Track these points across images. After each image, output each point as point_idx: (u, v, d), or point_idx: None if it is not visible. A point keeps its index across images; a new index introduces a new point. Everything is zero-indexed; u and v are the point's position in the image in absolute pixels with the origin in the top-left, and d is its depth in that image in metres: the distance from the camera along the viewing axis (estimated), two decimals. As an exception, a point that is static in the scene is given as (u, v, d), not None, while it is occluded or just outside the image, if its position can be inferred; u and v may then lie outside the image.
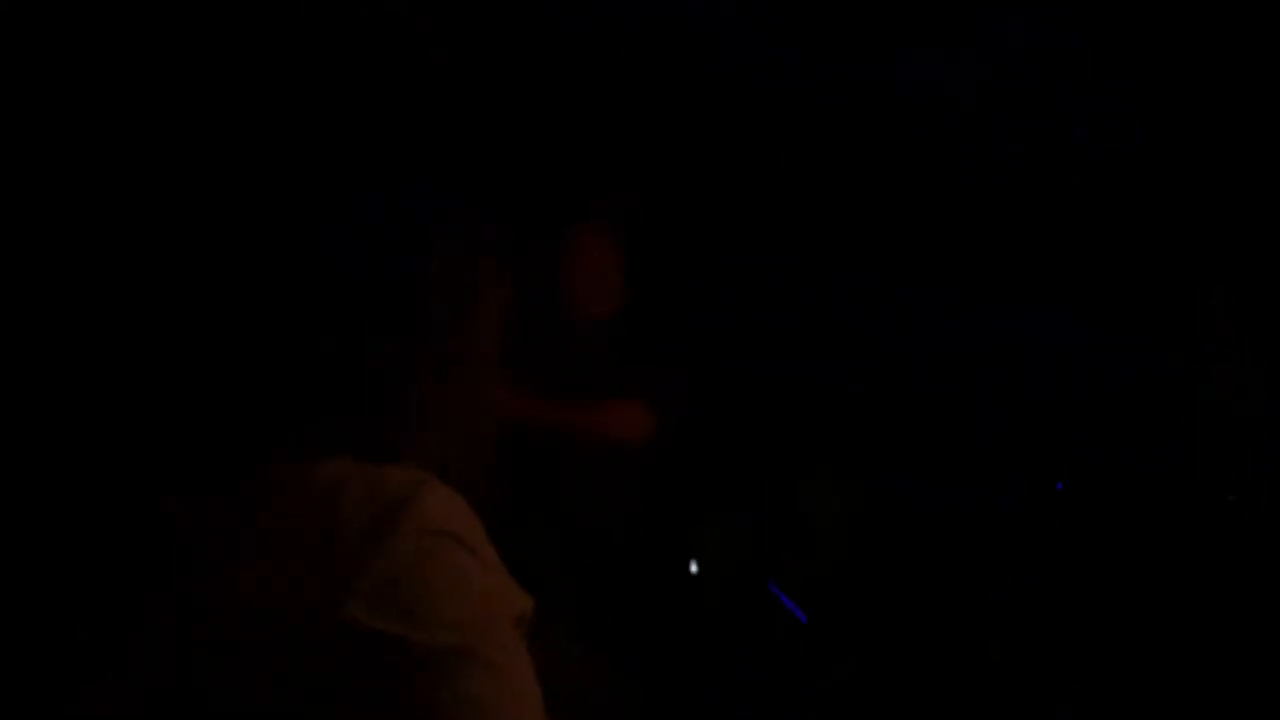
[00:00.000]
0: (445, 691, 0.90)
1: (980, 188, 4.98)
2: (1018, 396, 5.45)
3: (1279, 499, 4.46)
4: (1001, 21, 4.24)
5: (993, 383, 5.52)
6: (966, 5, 4.20)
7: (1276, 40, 4.11)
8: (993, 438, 5.48)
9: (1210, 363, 4.76)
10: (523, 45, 3.97)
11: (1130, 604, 4.67)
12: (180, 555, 1.00)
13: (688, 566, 3.57)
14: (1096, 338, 5.12)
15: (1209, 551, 4.53)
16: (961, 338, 5.49)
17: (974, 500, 5.49)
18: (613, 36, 4.28)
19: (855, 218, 5.08)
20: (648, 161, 4.69)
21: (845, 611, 5.07)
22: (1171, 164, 4.66)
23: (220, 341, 1.05)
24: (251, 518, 0.97)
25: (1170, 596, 4.53)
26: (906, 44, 4.33)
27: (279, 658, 0.91)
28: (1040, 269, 5.10)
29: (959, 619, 5.12)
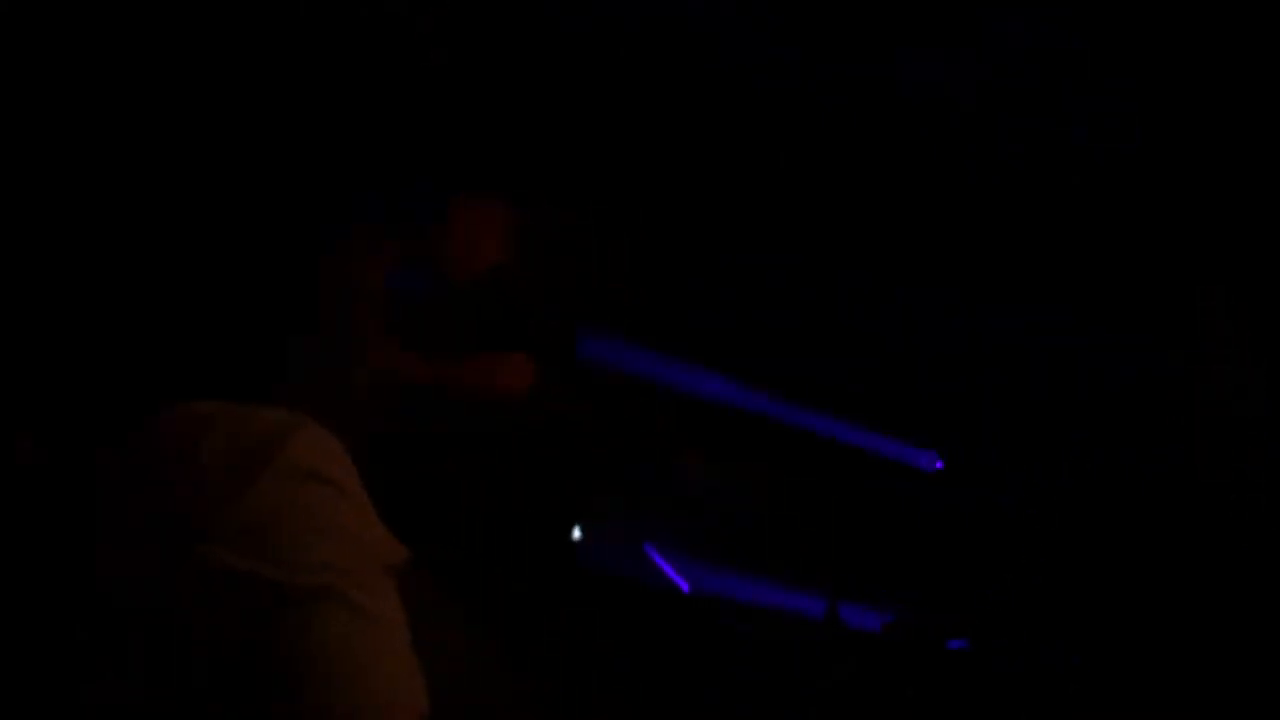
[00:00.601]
0: (309, 633, 0.87)
1: (980, 188, 4.98)
2: (1018, 396, 5.45)
3: (1279, 499, 4.46)
4: (1001, 21, 4.23)
5: (993, 383, 5.51)
6: (966, 5, 4.20)
7: (1277, 40, 4.11)
8: (993, 438, 5.48)
9: (1210, 363, 4.76)
10: (523, 45, 3.97)
11: (1130, 604, 4.67)
12: (60, 509, 0.98)
13: (570, 533, 3.56)
14: (1096, 338, 5.12)
15: (1209, 551, 4.53)
16: (961, 338, 5.49)
17: (974, 500, 5.49)
18: (613, 36, 4.28)
19: (855, 218, 5.08)
20: (648, 161, 4.69)
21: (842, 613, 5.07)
22: (1171, 164, 4.66)
23: (97, 298, 1.03)
24: (125, 465, 0.95)
25: (1170, 596, 4.53)
26: (906, 44, 4.33)
27: (149, 600, 0.89)
28: (1040, 269, 5.10)
29: (961, 618, 5.12)
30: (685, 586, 4.94)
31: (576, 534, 3.86)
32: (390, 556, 0.93)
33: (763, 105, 4.63)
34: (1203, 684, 4.11)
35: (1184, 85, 4.35)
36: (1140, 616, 4.59)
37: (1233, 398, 4.69)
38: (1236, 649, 4.21)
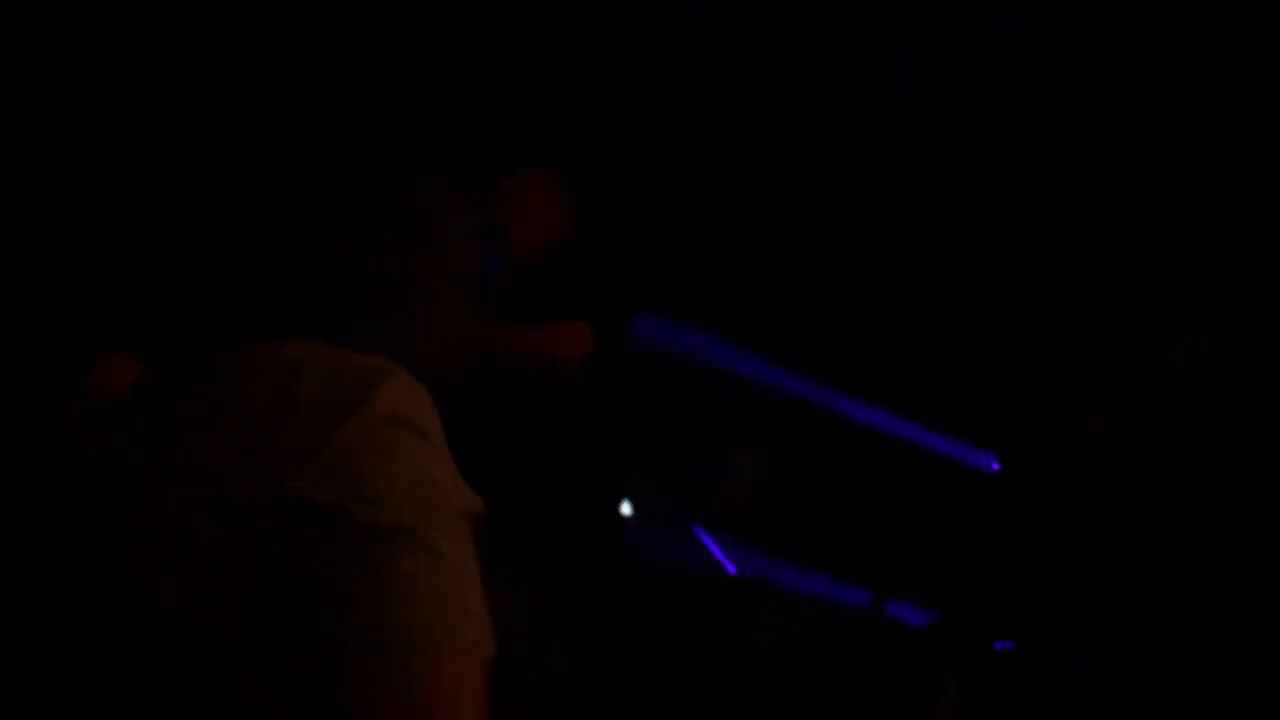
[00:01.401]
0: (384, 569, 0.91)
1: (980, 188, 4.98)
2: (1018, 396, 5.46)
3: (1279, 499, 4.46)
4: (1001, 21, 4.24)
5: (993, 383, 5.52)
6: (966, 5, 4.20)
7: (1277, 40, 4.11)
8: (993, 438, 5.49)
9: (1210, 363, 4.76)
10: (523, 45, 3.97)
11: (1130, 604, 4.67)
12: (129, 427, 1.00)
13: (619, 507, 3.58)
14: (1096, 338, 5.12)
15: (1209, 551, 4.53)
16: (961, 338, 5.49)
17: (974, 500, 5.49)
18: (613, 36, 4.28)
19: (855, 218, 5.09)
20: (648, 161, 4.69)
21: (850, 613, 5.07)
22: (1171, 164, 4.66)
23: (192, 238, 1.05)
24: (210, 391, 0.98)
25: (1170, 596, 4.53)
26: (906, 44, 4.33)
27: (222, 526, 0.92)
28: (1040, 269, 5.11)
29: (961, 618, 5.12)
30: (732, 569, 4.97)
31: (626, 509, 3.87)
32: (470, 503, 0.97)
33: (763, 105, 4.63)
34: (1203, 684, 4.11)
35: (1184, 85, 4.36)
36: (1140, 616, 4.59)
37: (1233, 398, 4.69)
38: (1236, 649, 4.21)
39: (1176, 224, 4.77)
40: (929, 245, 5.14)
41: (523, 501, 2.98)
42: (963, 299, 5.35)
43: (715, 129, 4.70)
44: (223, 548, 0.92)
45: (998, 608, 5.04)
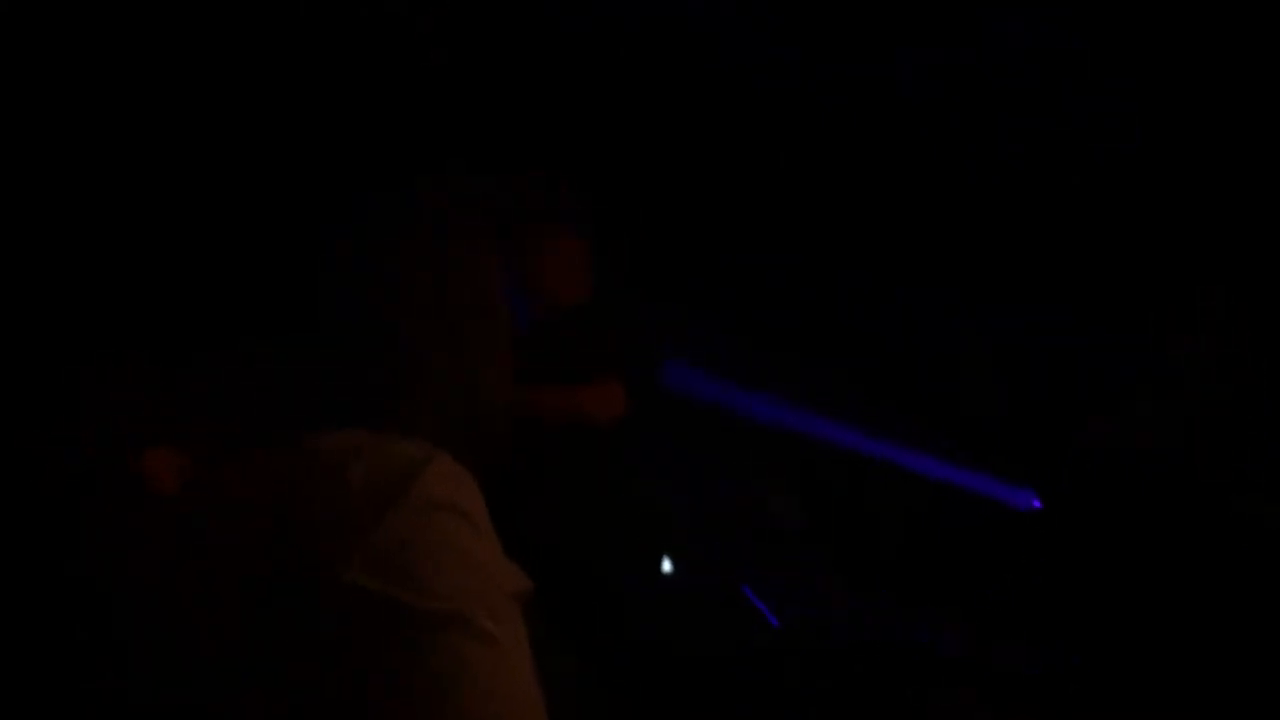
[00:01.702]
0: (437, 654, 0.91)
1: (980, 188, 4.98)
2: (1018, 396, 5.46)
3: (1279, 499, 4.46)
4: (1001, 21, 4.23)
5: (993, 383, 5.52)
6: (966, 5, 4.20)
7: (1277, 40, 4.11)
8: (993, 438, 5.48)
9: (1210, 363, 4.76)
10: (523, 45, 3.97)
11: (1130, 604, 4.67)
12: (182, 515, 1.01)
13: (660, 564, 3.58)
14: (1096, 338, 5.12)
15: (1209, 551, 4.53)
16: (961, 338, 5.50)
17: (974, 500, 5.49)
18: (613, 36, 4.28)
19: (855, 218, 5.08)
20: (648, 161, 4.69)
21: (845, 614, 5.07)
22: (1171, 164, 4.66)
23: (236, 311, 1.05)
24: (264, 483, 0.98)
25: (1170, 596, 4.53)
26: (906, 44, 4.33)
27: (280, 615, 0.92)
28: (1040, 269, 5.10)
29: (962, 618, 5.12)
30: (775, 622, 4.96)
31: (666, 566, 3.86)
32: (517, 584, 0.97)
33: (763, 105, 4.63)
34: (1203, 684, 4.11)
35: (1184, 85, 4.36)
36: (1140, 616, 4.59)
37: (1233, 397, 4.69)
38: (1236, 649, 4.21)
39: (1176, 224, 4.77)
40: (929, 245, 5.14)
41: (531, 528, 2.98)
42: (963, 299, 5.35)
43: (715, 129, 4.70)
44: (223, 548, 0.92)
45: (999, 608, 5.04)
